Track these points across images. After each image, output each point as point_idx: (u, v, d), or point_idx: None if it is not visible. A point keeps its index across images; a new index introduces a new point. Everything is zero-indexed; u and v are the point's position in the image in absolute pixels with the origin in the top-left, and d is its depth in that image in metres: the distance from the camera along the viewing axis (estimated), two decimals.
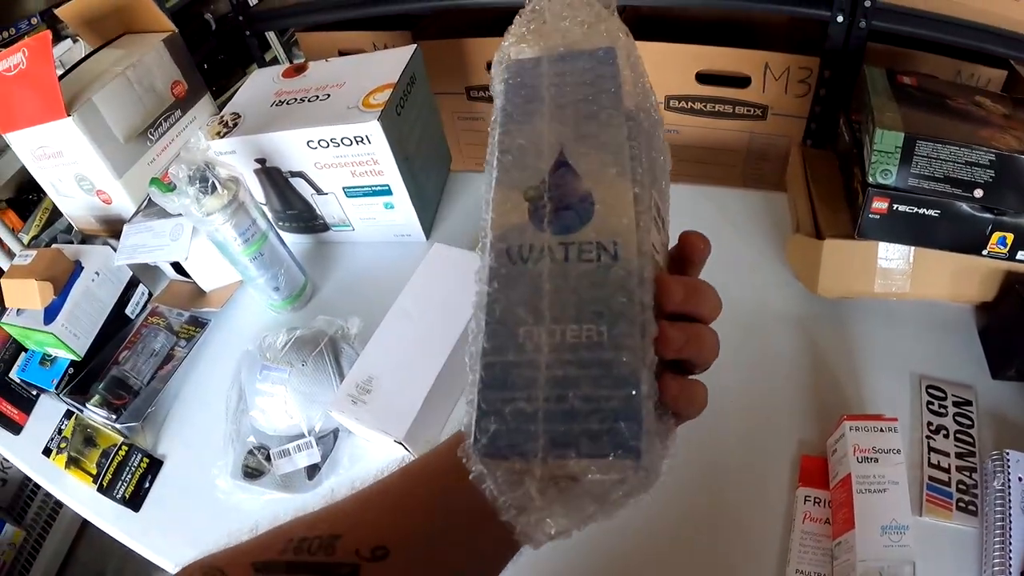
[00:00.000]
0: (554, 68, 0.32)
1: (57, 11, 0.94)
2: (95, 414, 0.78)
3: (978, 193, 0.63)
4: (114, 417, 0.77)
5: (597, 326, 0.25)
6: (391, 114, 0.77)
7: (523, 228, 0.28)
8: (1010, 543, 0.54)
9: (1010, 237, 0.65)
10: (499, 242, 0.28)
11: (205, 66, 1.23)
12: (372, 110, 0.76)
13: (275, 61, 1.22)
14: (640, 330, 0.25)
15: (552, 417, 0.24)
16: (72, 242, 0.95)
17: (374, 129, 0.75)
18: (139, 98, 0.88)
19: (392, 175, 0.81)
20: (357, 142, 0.77)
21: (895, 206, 0.66)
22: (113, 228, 0.93)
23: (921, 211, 0.66)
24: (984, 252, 0.66)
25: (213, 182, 0.72)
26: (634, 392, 0.24)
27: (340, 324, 0.77)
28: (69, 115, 0.79)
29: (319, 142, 0.78)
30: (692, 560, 0.60)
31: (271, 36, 1.22)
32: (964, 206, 0.65)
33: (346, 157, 0.79)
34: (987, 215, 0.64)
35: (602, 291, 0.26)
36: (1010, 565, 0.53)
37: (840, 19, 0.79)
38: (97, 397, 0.78)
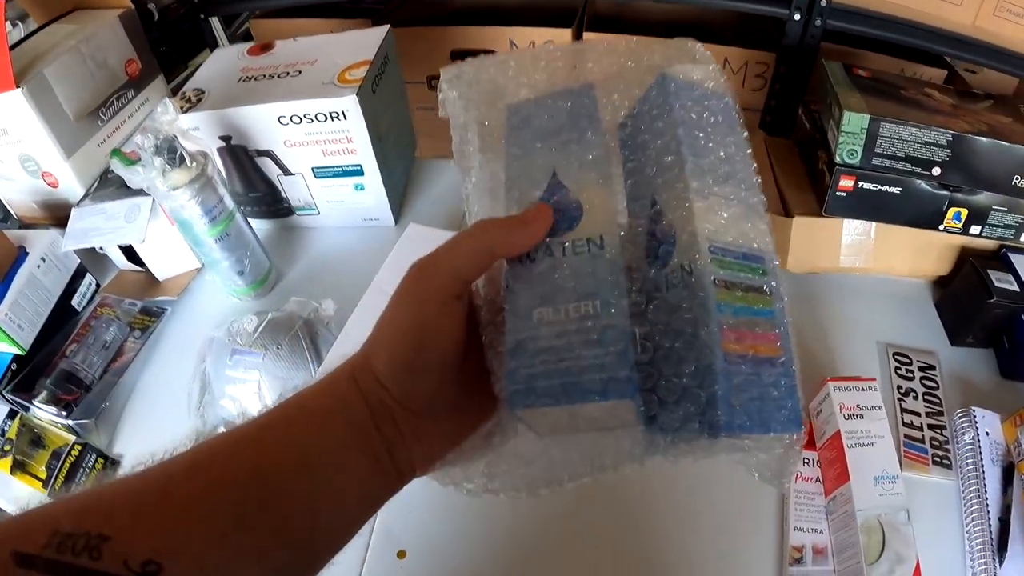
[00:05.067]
0: (544, 105, 0.39)
1: None
2: (43, 411, 0.71)
3: (936, 171, 0.68)
4: (64, 414, 0.71)
5: (592, 300, 0.30)
6: (367, 91, 0.76)
7: None
8: (986, 492, 0.58)
9: (964, 212, 0.70)
10: None
11: None
12: (349, 85, 0.75)
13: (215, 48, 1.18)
14: (619, 298, 0.31)
15: (561, 373, 0.29)
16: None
17: (351, 104, 0.74)
18: (91, 74, 0.83)
19: (365, 154, 0.79)
20: (332, 118, 0.75)
21: (860, 184, 0.70)
22: (57, 215, 0.86)
23: (884, 188, 0.70)
24: (941, 227, 0.71)
25: (181, 154, 0.68)
26: (621, 347, 0.29)
27: (314, 306, 0.74)
28: (18, 87, 0.73)
29: (291, 118, 0.75)
30: (697, 526, 0.60)
31: (216, 26, 1.17)
32: (923, 184, 0.69)
33: (318, 135, 0.77)
34: (944, 192, 0.69)
35: (592, 274, 0.31)
36: (988, 512, 0.57)
37: (797, 17, 0.84)
38: (45, 393, 0.72)
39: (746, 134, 0.36)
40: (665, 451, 0.31)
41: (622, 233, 0.33)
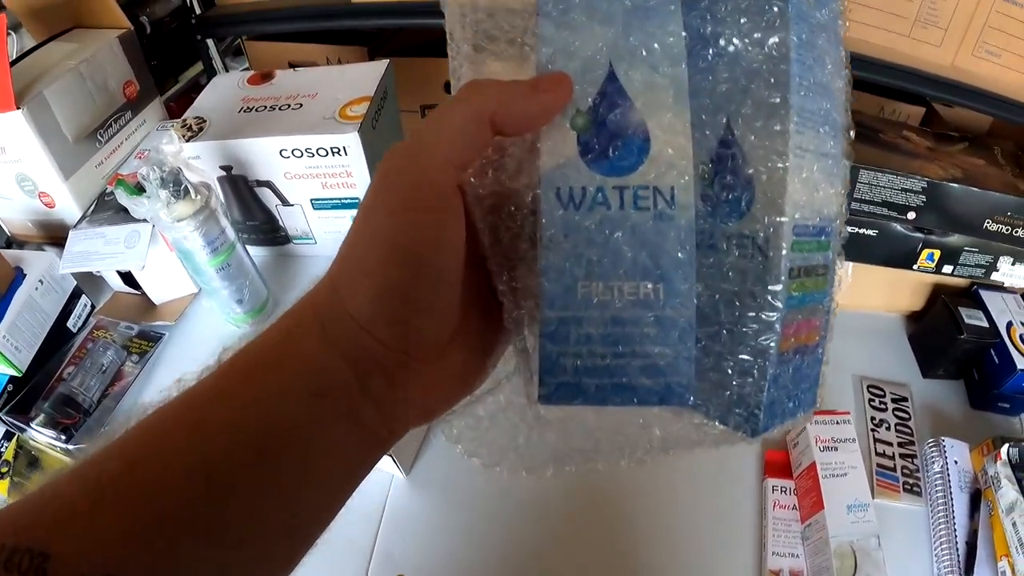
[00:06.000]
0: None
1: None
2: (41, 434, 0.72)
3: (911, 216, 0.72)
4: (64, 438, 0.72)
5: (655, 284, 0.25)
6: (368, 127, 0.77)
7: (574, 165, 0.25)
8: (954, 518, 0.61)
9: (937, 253, 0.74)
10: (549, 181, 0.25)
11: None
12: (350, 122, 0.76)
13: (211, 69, 1.18)
14: (690, 285, 0.25)
15: (611, 372, 0.25)
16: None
17: (352, 141, 0.75)
18: (91, 96, 0.84)
19: (364, 188, 0.81)
20: (333, 153, 0.77)
21: None
22: (52, 234, 0.87)
23: (861, 231, 0.74)
24: (915, 267, 0.75)
25: (186, 186, 0.69)
26: (683, 349, 0.25)
27: None
28: (19, 108, 0.74)
29: (293, 151, 0.77)
30: (677, 550, 0.63)
31: (211, 45, 1.17)
32: (898, 227, 0.73)
33: (319, 168, 0.79)
34: (918, 234, 0.73)
35: (658, 245, 0.25)
36: (956, 537, 0.60)
37: None
38: (43, 416, 0.73)
39: (845, 52, 0.27)
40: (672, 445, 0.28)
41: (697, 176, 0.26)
